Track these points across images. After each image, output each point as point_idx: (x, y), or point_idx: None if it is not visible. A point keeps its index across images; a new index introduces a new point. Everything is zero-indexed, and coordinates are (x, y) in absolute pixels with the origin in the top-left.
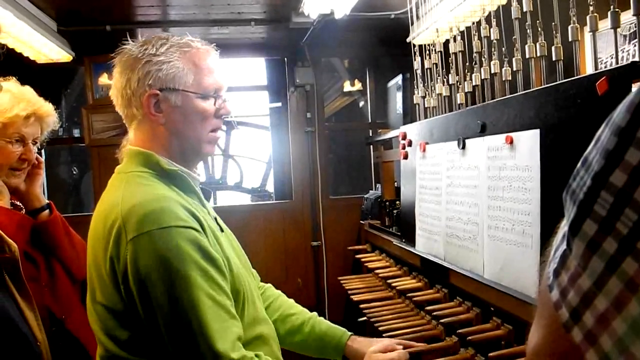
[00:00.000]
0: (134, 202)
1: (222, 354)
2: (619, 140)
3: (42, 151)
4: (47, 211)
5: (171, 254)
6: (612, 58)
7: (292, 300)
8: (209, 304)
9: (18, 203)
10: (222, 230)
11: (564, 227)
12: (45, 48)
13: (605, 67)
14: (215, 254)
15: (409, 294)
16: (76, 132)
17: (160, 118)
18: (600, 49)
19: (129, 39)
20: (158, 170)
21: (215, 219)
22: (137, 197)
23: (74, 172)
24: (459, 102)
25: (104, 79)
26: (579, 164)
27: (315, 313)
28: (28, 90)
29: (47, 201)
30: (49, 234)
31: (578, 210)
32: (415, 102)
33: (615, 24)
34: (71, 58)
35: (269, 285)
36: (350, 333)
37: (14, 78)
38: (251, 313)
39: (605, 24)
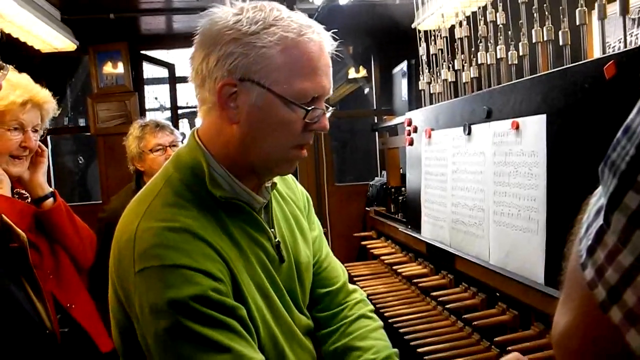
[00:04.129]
0: (150, 224)
1: None
2: None
3: (48, 140)
4: (50, 199)
5: (169, 298)
6: (620, 42)
7: (376, 327)
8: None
9: (23, 192)
10: (282, 261)
11: (597, 202)
12: (49, 37)
13: (613, 51)
14: (230, 302)
15: (415, 280)
16: (81, 122)
17: (234, 115)
18: (608, 33)
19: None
20: (202, 188)
21: (278, 244)
22: (156, 217)
23: (80, 162)
24: (464, 87)
25: (108, 68)
26: (619, 133)
27: (393, 352)
28: (24, 78)
29: (50, 189)
30: (53, 222)
31: (619, 182)
32: (420, 88)
33: (624, 8)
34: (75, 47)
35: (357, 298)
36: None
37: (11, 66)
38: None
39: (613, 8)
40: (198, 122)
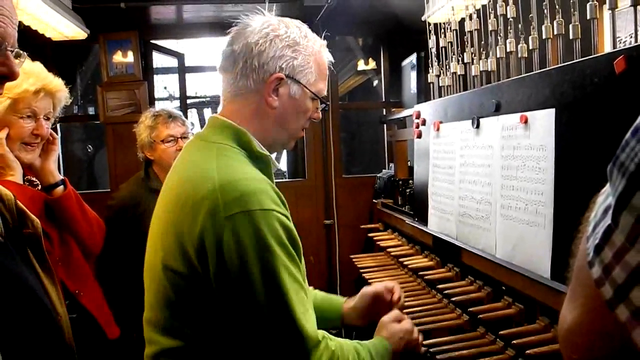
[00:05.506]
0: (231, 177)
1: (309, 336)
2: None
3: (58, 128)
4: (61, 187)
5: (270, 236)
6: (631, 37)
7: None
8: (297, 289)
9: (34, 179)
10: None
11: (604, 201)
12: (60, 25)
13: (624, 46)
14: (299, 242)
15: (421, 273)
16: (91, 110)
17: (275, 101)
18: (619, 28)
19: (264, 11)
20: (248, 151)
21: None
22: (234, 173)
23: (89, 149)
24: (473, 80)
25: (118, 57)
26: (628, 134)
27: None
28: (37, 66)
29: (61, 177)
30: (63, 210)
31: (628, 183)
32: (429, 81)
33: (636, 1)
34: (86, 35)
35: None
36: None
37: (24, 53)
38: None
39: (625, 2)
40: (207, 112)
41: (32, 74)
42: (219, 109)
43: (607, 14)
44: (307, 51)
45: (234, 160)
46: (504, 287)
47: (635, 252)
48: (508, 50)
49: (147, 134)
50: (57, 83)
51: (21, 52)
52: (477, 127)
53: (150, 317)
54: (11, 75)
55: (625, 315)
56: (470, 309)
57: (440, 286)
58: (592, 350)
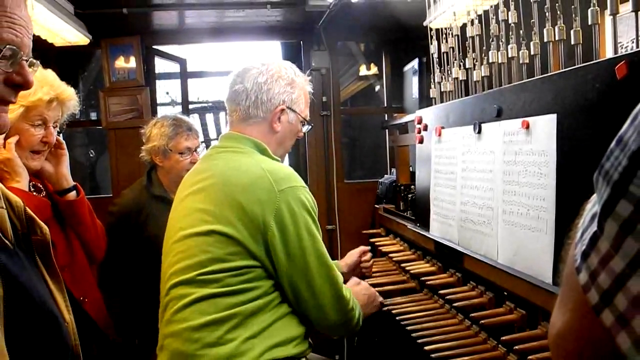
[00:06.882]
0: (272, 165)
1: (345, 295)
2: None
3: (61, 134)
4: (74, 192)
5: (308, 204)
6: (632, 42)
7: None
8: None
9: (40, 185)
10: None
11: (592, 208)
12: (63, 31)
13: (626, 51)
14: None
15: (423, 278)
16: (93, 115)
17: (278, 126)
18: (621, 33)
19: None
20: (267, 156)
21: None
22: (272, 163)
23: (91, 155)
24: (475, 86)
25: (120, 62)
26: (612, 144)
27: None
28: (50, 74)
29: (73, 182)
30: (75, 214)
31: (612, 191)
32: (431, 86)
33: (637, 7)
34: (88, 41)
35: None
36: None
37: (37, 62)
38: None
39: (626, 7)
40: (209, 117)
41: (46, 82)
42: (227, 128)
43: (608, 19)
44: (299, 86)
45: (264, 157)
46: (505, 293)
47: (620, 259)
48: (509, 55)
49: (164, 142)
50: (69, 93)
51: (34, 61)
52: (479, 132)
53: (184, 278)
54: (26, 85)
55: (610, 320)
56: (472, 315)
57: (442, 291)
58: (581, 356)
